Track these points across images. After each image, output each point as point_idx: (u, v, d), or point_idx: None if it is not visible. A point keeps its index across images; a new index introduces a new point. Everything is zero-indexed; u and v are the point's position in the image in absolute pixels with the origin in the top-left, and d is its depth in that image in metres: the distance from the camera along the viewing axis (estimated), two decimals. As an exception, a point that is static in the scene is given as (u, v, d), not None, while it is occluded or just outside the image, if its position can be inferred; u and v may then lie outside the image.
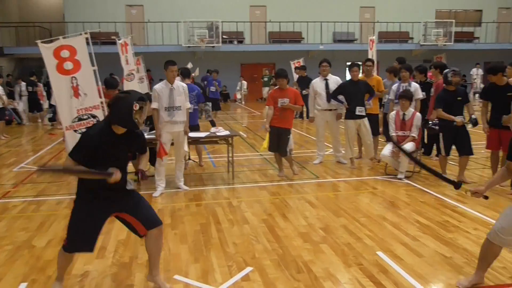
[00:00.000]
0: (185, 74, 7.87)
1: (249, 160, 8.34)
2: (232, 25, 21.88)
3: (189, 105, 6.22)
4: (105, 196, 3.19)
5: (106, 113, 6.42)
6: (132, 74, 12.46)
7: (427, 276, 3.63)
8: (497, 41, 25.21)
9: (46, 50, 6.13)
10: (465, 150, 6.34)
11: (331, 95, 7.40)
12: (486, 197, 3.42)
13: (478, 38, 25.09)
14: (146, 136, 6.46)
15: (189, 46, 21.13)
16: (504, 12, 25.95)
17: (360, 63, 8.00)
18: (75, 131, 6.16)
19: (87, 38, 6.31)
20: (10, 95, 14.90)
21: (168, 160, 7.09)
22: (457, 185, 3.54)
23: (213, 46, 21.21)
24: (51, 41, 6.26)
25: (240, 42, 22.69)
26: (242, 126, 13.24)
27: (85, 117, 6.27)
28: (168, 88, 5.99)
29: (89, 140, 3.07)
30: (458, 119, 6.19)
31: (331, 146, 8.17)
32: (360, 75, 7.61)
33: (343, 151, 7.80)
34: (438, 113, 6.36)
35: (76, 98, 6.19)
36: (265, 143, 7.32)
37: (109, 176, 3.05)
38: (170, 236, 4.58)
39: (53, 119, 13.88)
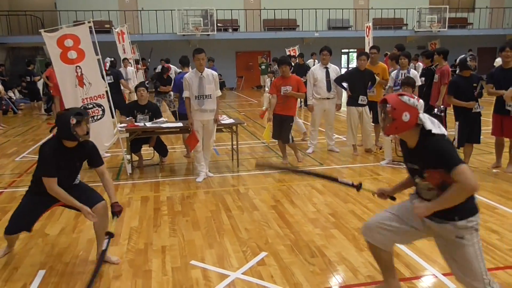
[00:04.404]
0: (184, 63, 7.87)
1: (252, 148, 8.38)
2: (227, 13, 21.77)
3: (219, 93, 6.21)
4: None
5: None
6: (130, 63, 12.47)
7: (433, 255, 3.68)
8: (490, 26, 25.33)
9: (49, 39, 6.08)
10: (474, 139, 6.26)
11: (336, 80, 7.43)
12: (393, 198, 3.18)
13: (471, 24, 25.19)
14: (149, 124, 6.51)
15: (183, 35, 21.03)
16: (496, -3, 26.07)
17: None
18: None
19: (90, 27, 6.27)
20: (3, 84, 14.67)
21: (171, 149, 7.08)
22: (357, 187, 3.29)
23: (208, 34, 21.13)
24: (52, 31, 6.22)
25: (235, 30, 22.61)
26: (241, 114, 13.25)
27: (90, 106, 6.26)
28: (197, 77, 5.98)
29: (48, 156, 3.48)
30: (473, 104, 6.01)
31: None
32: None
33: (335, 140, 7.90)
34: (450, 100, 6.16)
35: (81, 87, 6.18)
36: (266, 133, 7.34)
37: (85, 213, 3.55)
38: (182, 223, 4.64)
39: (49, 109, 13.77)
